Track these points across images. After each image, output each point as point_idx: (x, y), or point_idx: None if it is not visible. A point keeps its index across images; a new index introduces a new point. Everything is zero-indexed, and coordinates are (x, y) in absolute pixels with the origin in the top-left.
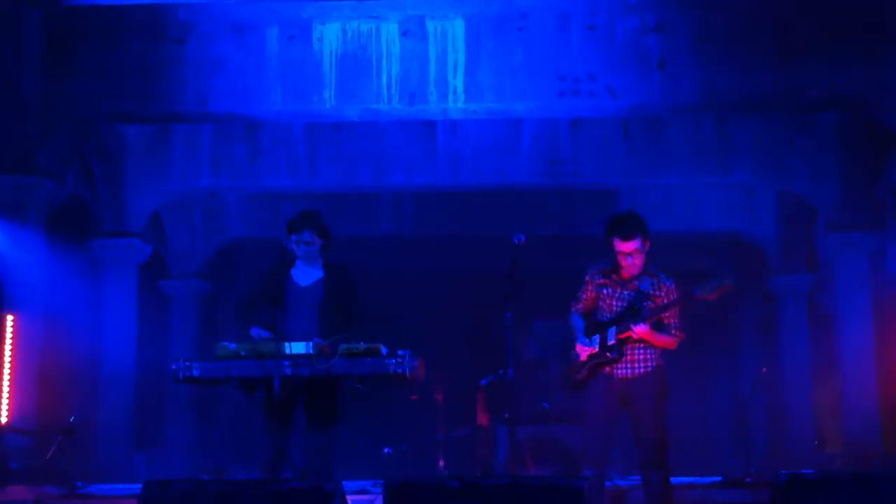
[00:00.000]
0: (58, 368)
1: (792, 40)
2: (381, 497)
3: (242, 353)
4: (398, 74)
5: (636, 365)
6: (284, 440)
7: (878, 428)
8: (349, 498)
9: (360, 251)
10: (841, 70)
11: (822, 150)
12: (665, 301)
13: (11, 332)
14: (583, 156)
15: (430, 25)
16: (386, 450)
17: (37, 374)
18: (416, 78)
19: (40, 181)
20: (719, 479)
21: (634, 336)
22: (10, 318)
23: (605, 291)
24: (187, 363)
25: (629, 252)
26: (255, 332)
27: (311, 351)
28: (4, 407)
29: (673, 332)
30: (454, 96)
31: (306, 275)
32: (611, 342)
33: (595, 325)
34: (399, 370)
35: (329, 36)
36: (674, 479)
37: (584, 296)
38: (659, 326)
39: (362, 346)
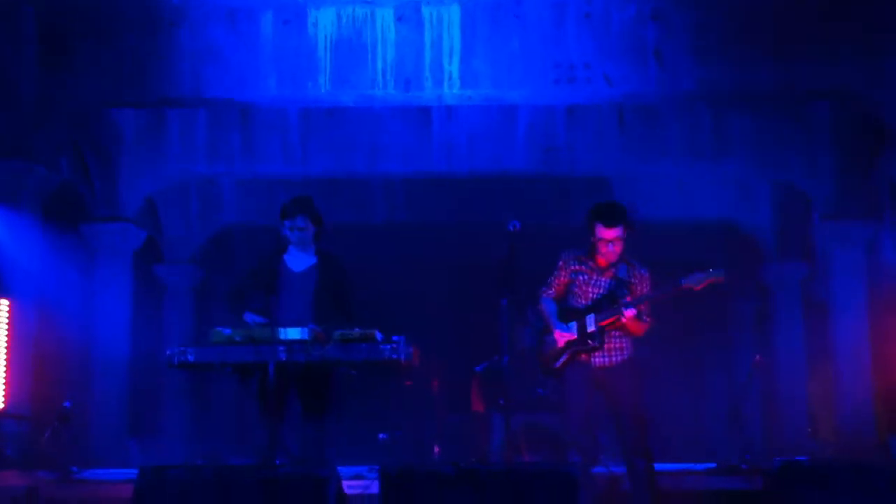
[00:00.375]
0: (52, 354)
1: (787, 32)
2: (376, 483)
3: (237, 338)
4: (393, 60)
5: (613, 354)
6: (279, 426)
7: (871, 417)
8: (345, 483)
9: (354, 238)
10: (835, 62)
11: (817, 141)
12: (639, 288)
13: (7, 318)
14: (578, 144)
15: (426, 11)
16: (381, 436)
17: (32, 360)
18: (411, 64)
19: (34, 167)
20: (714, 465)
21: (624, 320)
22: (4, 303)
23: (581, 278)
24: (182, 349)
25: (611, 239)
26: (250, 317)
27: (306, 336)
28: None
29: (644, 318)
30: (449, 83)
31: (300, 261)
32: (591, 329)
33: (570, 312)
34: (394, 356)
35: (324, 21)
36: (669, 466)
37: (557, 281)
38: (636, 313)
39: (357, 331)
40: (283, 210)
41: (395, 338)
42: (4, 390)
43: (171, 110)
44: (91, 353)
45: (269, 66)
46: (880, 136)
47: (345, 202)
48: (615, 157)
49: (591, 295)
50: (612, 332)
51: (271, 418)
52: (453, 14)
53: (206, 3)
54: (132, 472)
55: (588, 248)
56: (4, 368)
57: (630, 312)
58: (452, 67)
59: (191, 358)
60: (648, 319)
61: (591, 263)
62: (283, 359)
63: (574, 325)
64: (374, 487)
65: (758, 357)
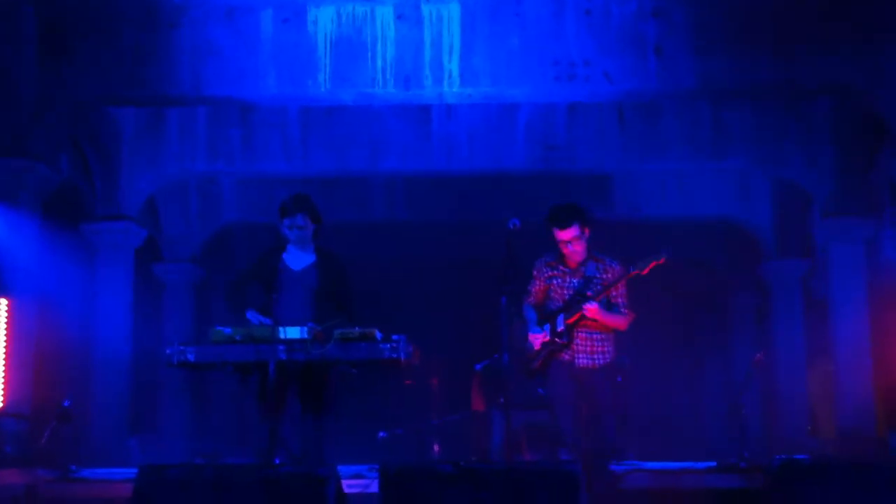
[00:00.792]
0: (52, 353)
1: (787, 28)
2: (376, 481)
3: (237, 337)
4: (393, 58)
5: (596, 356)
6: (279, 425)
7: (872, 414)
8: (344, 482)
9: (353, 236)
10: (836, 59)
11: (817, 138)
12: (611, 282)
13: (6, 317)
14: (578, 141)
15: (426, 9)
16: (381, 435)
17: (31, 358)
18: (411, 62)
19: (33, 165)
20: (714, 464)
21: (587, 315)
22: (4, 302)
23: (555, 282)
24: (182, 348)
25: (568, 240)
26: (254, 316)
27: (306, 336)
28: None
29: (623, 310)
30: (449, 80)
31: (299, 259)
32: (560, 328)
33: (548, 315)
34: (394, 355)
35: (324, 19)
36: (668, 465)
37: (534, 289)
38: (608, 306)
39: (357, 330)
40: (282, 208)
41: (394, 337)
42: (4, 389)
43: (170, 108)
44: (91, 351)
45: (269, 64)
46: (880, 133)
47: (344, 200)
48: (615, 154)
49: (565, 296)
50: (594, 335)
51: (271, 417)
52: (453, 12)
53: (206, 1)
54: (132, 471)
55: (557, 253)
56: (4, 367)
57: (591, 306)
58: (452, 65)
59: (191, 357)
60: (629, 312)
61: (562, 267)
62: (283, 358)
63: (547, 326)
64: (374, 486)
65: (759, 355)
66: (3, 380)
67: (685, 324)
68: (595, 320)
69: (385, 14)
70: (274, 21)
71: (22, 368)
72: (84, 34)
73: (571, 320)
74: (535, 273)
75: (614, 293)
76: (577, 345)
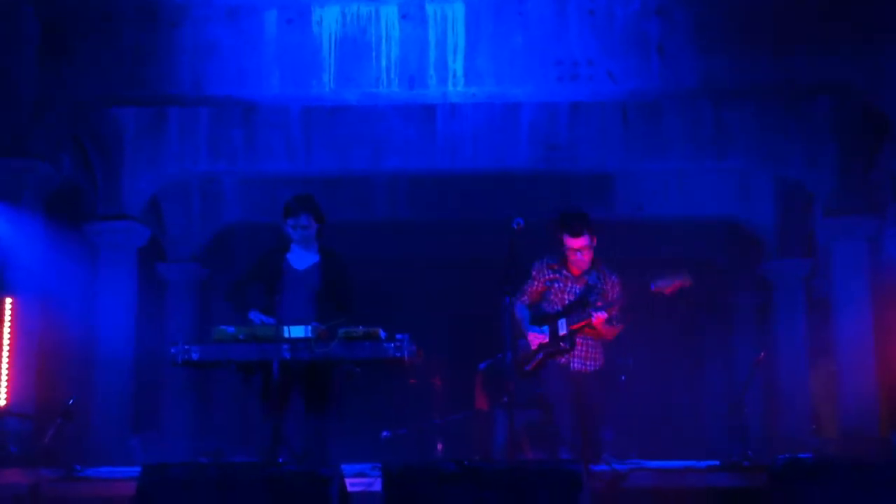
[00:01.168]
0: (56, 352)
1: (788, 28)
2: (379, 480)
3: (241, 336)
4: (398, 58)
5: (589, 361)
6: (282, 424)
7: (874, 414)
8: (348, 481)
9: (356, 235)
10: (836, 58)
11: (818, 136)
12: (611, 294)
13: (10, 316)
14: (580, 140)
15: (430, 9)
16: (384, 434)
17: (35, 358)
18: (415, 62)
19: (33, 164)
20: (717, 462)
21: (594, 323)
22: (8, 301)
23: (556, 286)
24: (186, 347)
25: (578, 248)
26: (256, 316)
27: (310, 335)
28: (3, 391)
29: (615, 323)
30: (454, 80)
31: (302, 259)
32: (562, 332)
33: (543, 317)
34: (398, 354)
35: (328, 19)
36: (671, 463)
37: (531, 289)
38: (607, 317)
39: (361, 330)
40: (286, 208)
41: (398, 336)
42: (7, 388)
43: (172, 108)
44: (94, 351)
45: (273, 65)
46: (882, 131)
47: (347, 200)
48: (618, 153)
49: (566, 301)
50: (588, 341)
51: (274, 416)
52: (457, 11)
53: (207, 1)
54: (135, 470)
55: (560, 257)
56: (7, 366)
57: (600, 315)
58: (457, 65)
59: (195, 356)
60: (619, 324)
61: (564, 271)
62: (288, 357)
63: (546, 328)
64: (377, 485)
65: (761, 355)
66: (6, 379)
67: (687, 323)
68: (597, 329)
69: (390, 14)
70: (278, 21)
71: (25, 368)
72: (84, 34)
73: (576, 326)
74: (534, 274)
75: (599, 302)
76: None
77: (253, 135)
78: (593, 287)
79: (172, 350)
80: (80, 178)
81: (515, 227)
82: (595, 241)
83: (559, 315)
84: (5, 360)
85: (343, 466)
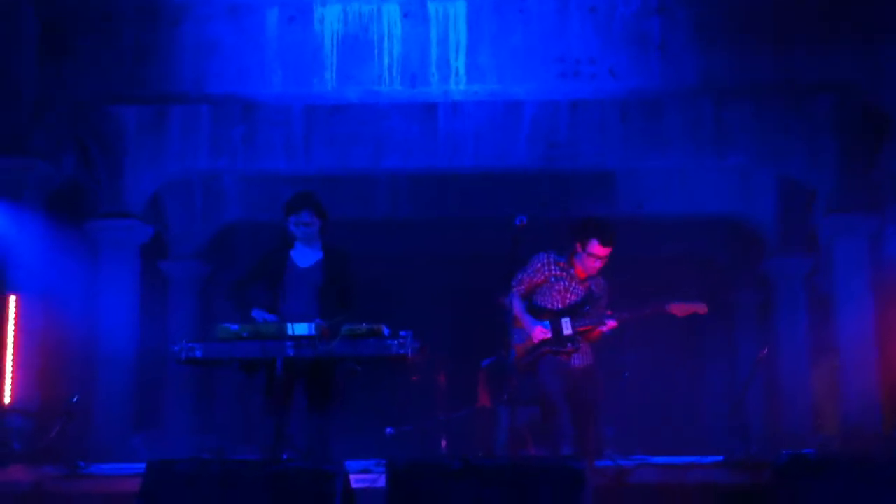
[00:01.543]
0: (58, 350)
1: (789, 24)
2: (383, 477)
3: (244, 334)
4: (399, 56)
5: (585, 357)
6: (285, 421)
7: (877, 410)
8: (352, 478)
9: (357, 233)
10: (837, 54)
11: (820, 134)
12: (603, 298)
13: (14, 314)
14: (581, 138)
15: (432, 7)
16: (388, 431)
17: (38, 355)
18: (417, 60)
19: (35, 163)
20: (720, 459)
21: (605, 329)
22: (12, 298)
23: (561, 284)
24: (190, 344)
25: (603, 256)
26: (259, 314)
27: (314, 332)
28: (7, 388)
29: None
30: (455, 78)
31: (306, 256)
32: (568, 332)
33: (540, 311)
34: (401, 351)
35: (330, 17)
36: (674, 460)
37: (530, 280)
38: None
39: (364, 327)
40: (288, 206)
41: (402, 333)
42: (11, 386)
43: (173, 106)
44: (97, 348)
45: (274, 63)
46: (883, 129)
47: (348, 197)
48: (619, 151)
49: (567, 301)
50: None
51: (278, 413)
52: (459, 9)
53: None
54: (139, 467)
55: (568, 255)
56: (11, 364)
57: (612, 323)
58: (458, 63)
59: (198, 354)
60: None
61: (571, 271)
62: (291, 354)
63: (548, 323)
64: (382, 481)
65: (763, 352)
66: (10, 377)
67: (689, 321)
68: (600, 333)
69: (392, 12)
70: (279, 20)
71: (28, 365)
72: (85, 33)
73: (584, 328)
74: (538, 266)
75: (607, 310)
76: None
77: (254, 133)
78: (594, 293)
79: (175, 348)
80: (82, 176)
81: (518, 224)
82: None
83: (561, 313)
84: (9, 357)
85: (347, 463)
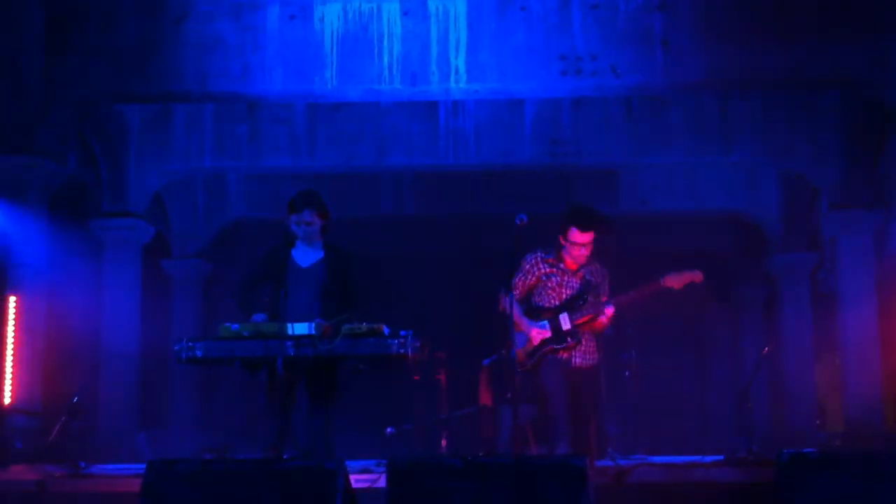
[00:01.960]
0: (61, 349)
1: (792, 19)
2: (384, 476)
3: (245, 333)
4: (400, 54)
5: (588, 356)
6: (287, 420)
7: (880, 407)
8: (353, 477)
9: (361, 231)
10: (841, 49)
11: (824, 129)
12: (603, 286)
13: (15, 313)
14: (584, 135)
15: (432, 5)
16: (389, 430)
17: (40, 354)
18: (417, 58)
19: (39, 161)
20: (722, 457)
21: (604, 318)
22: (13, 298)
23: (553, 280)
24: (190, 344)
25: (585, 243)
26: (260, 319)
27: (314, 331)
28: (8, 388)
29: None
30: (456, 76)
31: (307, 255)
32: (566, 327)
33: (539, 311)
34: (401, 351)
35: (330, 16)
36: (677, 458)
37: (524, 283)
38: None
39: (365, 326)
40: (289, 204)
41: (402, 332)
42: (13, 385)
43: (177, 105)
44: (100, 347)
45: (276, 61)
46: (888, 124)
47: (352, 195)
48: (622, 148)
49: (564, 295)
50: (586, 335)
51: (279, 412)
52: (459, 7)
53: None
54: (141, 467)
55: (556, 250)
56: (13, 364)
57: (610, 310)
58: (459, 61)
59: (199, 353)
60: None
61: (561, 265)
62: (292, 354)
63: (546, 323)
64: (382, 481)
65: (766, 348)
66: (12, 376)
67: (693, 317)
68: (602, 323)
69: (391, 10)
70: (280, 17)
71: (31, 365)
72: (89, 31)
73: (581, 321)
74: (527, 268)
75: (603, 296)
76: None
77: (258, 131)
78: (590, 282)
79: (176, 347)
80: (86, 174)
81: (519, 223)
82: (598, 237)
83: (558, 310)
84: (10, 357)
85: (348, 462)
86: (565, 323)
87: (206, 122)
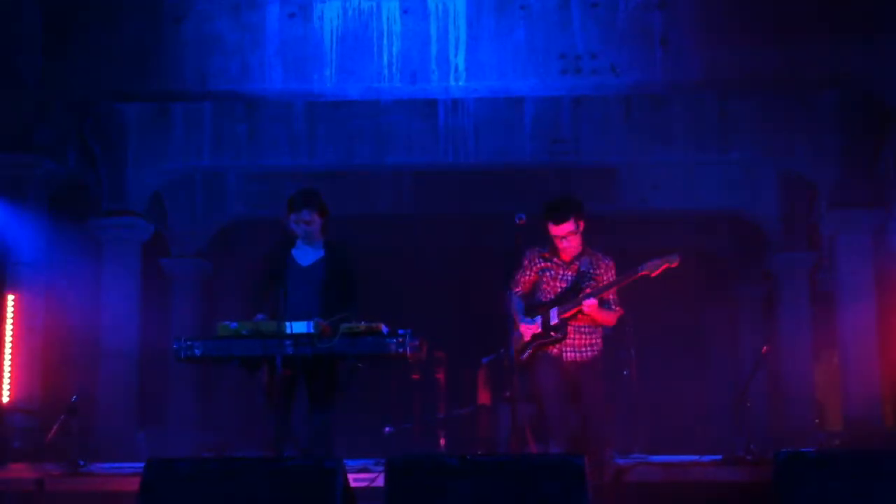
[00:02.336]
0: (60, 348)
1: (792, 18)
2: (383, 475)
3: (244, 332)
4: (399, 53)
5: (584, 349)
6: (286, 418)
7: (878, 406)
8: (351, 476)
9: (360, 229)
10: (840, 48)
11: (823, 128)
12: (605, 277)
13: (13, 312)
14: (584, 134)
15: (431, 3)
16: (387, 429)
17: (39, 353)
18: (417, 56)
19: (38, 159)
20: (720, 457)
21: (585, 310)
22: (11, 297)
23: (547, 274)
24: (189, 342)
25: (563, 235)
26: (260, 317)
27: (313, 330)
28: (7, 387)
29: (613, 307)
30: (455, 74)
31: (307, 254)
32: (554, 321)
33: (537, 306)
34: (400, 350)
35: (330, 14)
36: (675, 457)
37: (523, 279)
38: (602, 303)
39: (363, 325)
40: (288, 204)
41: (400, 331)
42: (12, 384)
43: (176, 103)
44: (99, 346)
45: (275, 59)
46: (887, 123)
47: (351, 194)
48: (621, 146)
49: (558, 288)
50: (583, 328)
51: (278, 411)
52: (459, 5)
53: None
54: (139, 465)
55: (551, 245)
56: (11, 363)
57: (590, 302)
58: (458, 59)
59: (198, 352)
60: (618, 309)
61: (556, 259)
62: (290, 352)
63: (539, 318)
64: (380, 480)
65: (765, 347)
66: (10, 375)
67: (692, 316)
68: (589, 315)
69: (391, 8)
70: (280, 16)
71: (30, 363)
72: (88, 30)
73: (567, 314)
74: (525, 263)
75: (587, 289)
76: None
77: (257, 129)
78: (585, 273)
79: (175, 346)
80: (85, 173)
81: (518, 221)
82: (581, 225)
83: (551, 304)
84: (9, 356)
85: (346, 461)
86: (553, 317)
87: (205, 120)
